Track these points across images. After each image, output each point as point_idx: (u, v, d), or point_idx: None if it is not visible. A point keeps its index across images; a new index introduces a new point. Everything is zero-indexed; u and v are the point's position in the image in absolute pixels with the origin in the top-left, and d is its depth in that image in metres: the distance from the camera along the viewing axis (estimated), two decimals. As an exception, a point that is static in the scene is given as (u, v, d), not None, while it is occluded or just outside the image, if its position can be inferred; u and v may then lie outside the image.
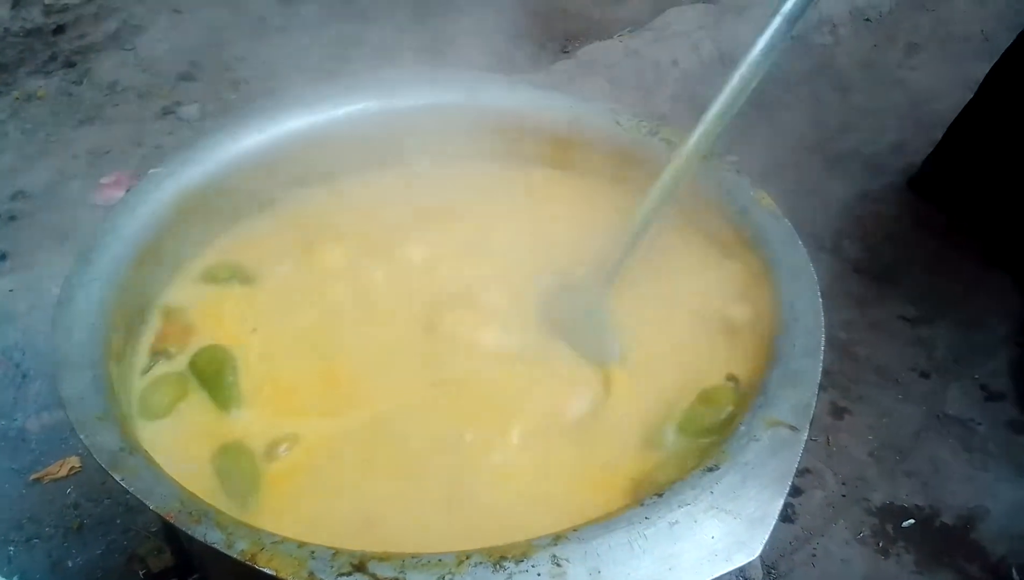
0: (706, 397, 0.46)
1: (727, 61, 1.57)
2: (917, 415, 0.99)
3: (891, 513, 0.90)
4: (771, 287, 0.47)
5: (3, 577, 0.73)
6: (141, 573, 0.74)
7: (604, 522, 0.35)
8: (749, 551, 0.34)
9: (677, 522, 0.34)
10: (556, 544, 0.34)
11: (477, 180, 0.66)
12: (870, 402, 1.01)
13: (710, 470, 0.37)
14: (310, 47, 1.74)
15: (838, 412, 0.98)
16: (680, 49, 1.61)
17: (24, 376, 0.88)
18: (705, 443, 0.43)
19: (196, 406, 0.46)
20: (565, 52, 1.71)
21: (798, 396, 0.40)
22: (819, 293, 0.46)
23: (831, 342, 0.43)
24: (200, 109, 1.52)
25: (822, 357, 0.42)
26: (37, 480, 0.83)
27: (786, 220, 0.52)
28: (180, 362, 0.49)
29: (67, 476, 0.82)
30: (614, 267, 0.53)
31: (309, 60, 1.71)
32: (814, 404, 0.40)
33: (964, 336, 1.08)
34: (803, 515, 0.88)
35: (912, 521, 0.89)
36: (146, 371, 0.48)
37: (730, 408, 0.44)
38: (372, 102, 0.63)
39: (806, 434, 0.38)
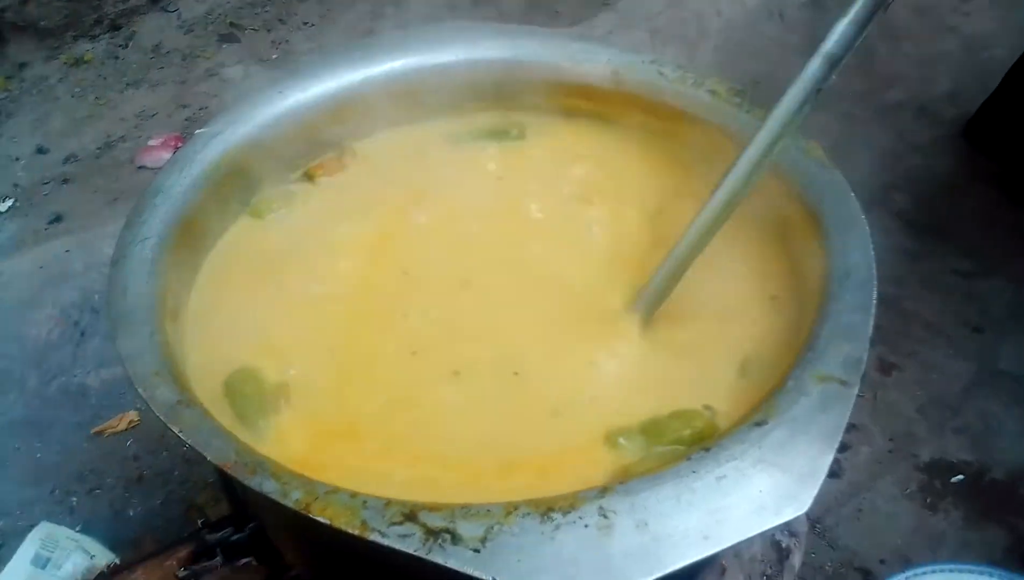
0: (678, 415, 0.44)
1: (773, 10, 1.51)
2: (968, 371, 0.97)
3: (939, 469, 0.89)
4: (821, 240, 0.46)
5: (66, 526, 0.76)
6: (199, 522, 0.76)
7: (651, 475, 0.35)
8: (798, 505, 0.33)
9: (725, 476, 0.34)
10: (603, 496, 0.34)
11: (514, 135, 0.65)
12: (919, 358, 0.99)
13: (758, 424, 0.36)
14: (348, 5, 1.73)
15: (886, 368, 0.97)
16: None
17: (83, 334, 0.91)
18: (664, 450, 0.42)
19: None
20: (605, 3, 1.67)
21: (849, 350, 0.39)
22: (871, 246, 0.45)
23: (879, 296, 0.42)
24: (243, 70, 1.53)
25: (874, 311, 0.41)
26: (98, 433, 0.86)
27: (837, 171, 0.51)
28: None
29: (126, 429, 0.85)
30: (655, 297, 0.49)
31: (347, 17, 1.70)
32: (865, 359, 0.39)
33: (1019, 290, 1.04)
34: (849, 470, 0.88)
35: (961, 477, 0.88)
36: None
37: (700, 426, 0.43)
38: (412, 58, 0.63)
39: (857, 389, 0.38)
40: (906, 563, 0.80)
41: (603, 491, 0.34)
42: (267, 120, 0.58)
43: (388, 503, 0.34)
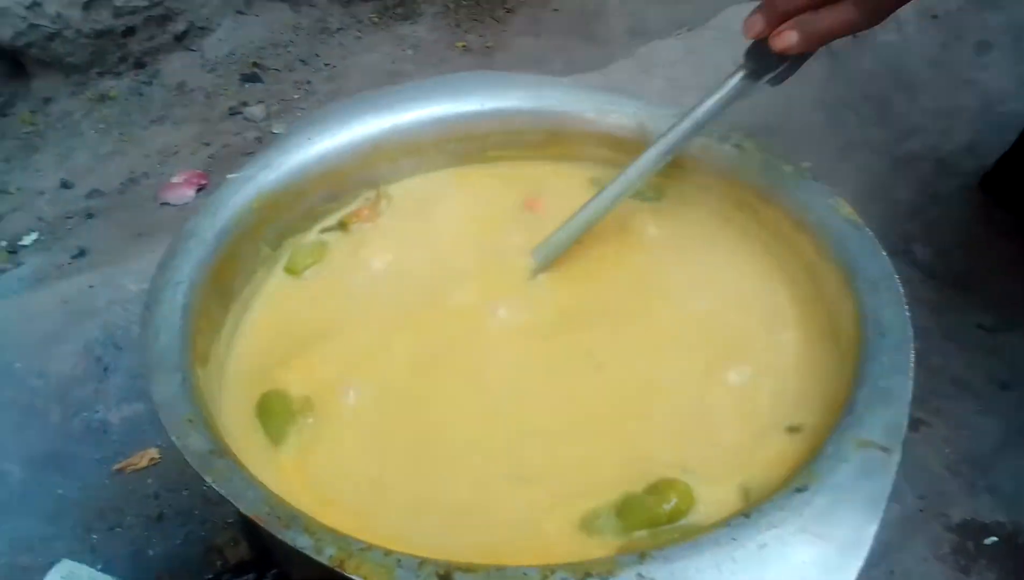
0: (655, 489, 0.42)
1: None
2: (997, 428, 0.95)
3: (972, 530, 0.87)
4: (854, 300, 0.46)
5: (87, 564, 0.75)
6: (219, 564, 0.76)
7: (690, 542, 0.34)
8: (842, 578, 0.33)
9: (766, 545, 0.34)
10: (642, 562, 0.33)
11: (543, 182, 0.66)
12: (947, 414, 0.97)
13: (799, 490, 0.36)
14: (369, 48, 1.76)
15: (914, 424, 0.95)
16: (740, 49, 1.58)
17: (105, 369, 0.91)
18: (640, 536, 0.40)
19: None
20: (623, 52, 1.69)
21: (889, 415, 0.39)
22: (905, 306, 0.45)
23: None
24: (265, 109, 1.56)
25: (912, 374, 0.41)
26: (119, 470, 0.85)
27: (867, 229, 0.51)
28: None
29: (147, 467, 0.85)
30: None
31: (368, 59, 1.73)
32: (906, 424, 0.38)
33: (1046, 345, 1.03)
34: (880, 529, 0.86)
35: (995, 539, 0.86)
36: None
37: (675, 500, 0.41)
38: (437, 107, 0.63)
39: (899, 456, 0.37)
40: (938, 627, 0.78)
41: (642, 556, 0.34)
42: (298, 165, 0.59)
43: (422, 563, 0.33)
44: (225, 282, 0.52)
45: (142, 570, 0.76)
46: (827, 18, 0.47)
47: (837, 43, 1.49)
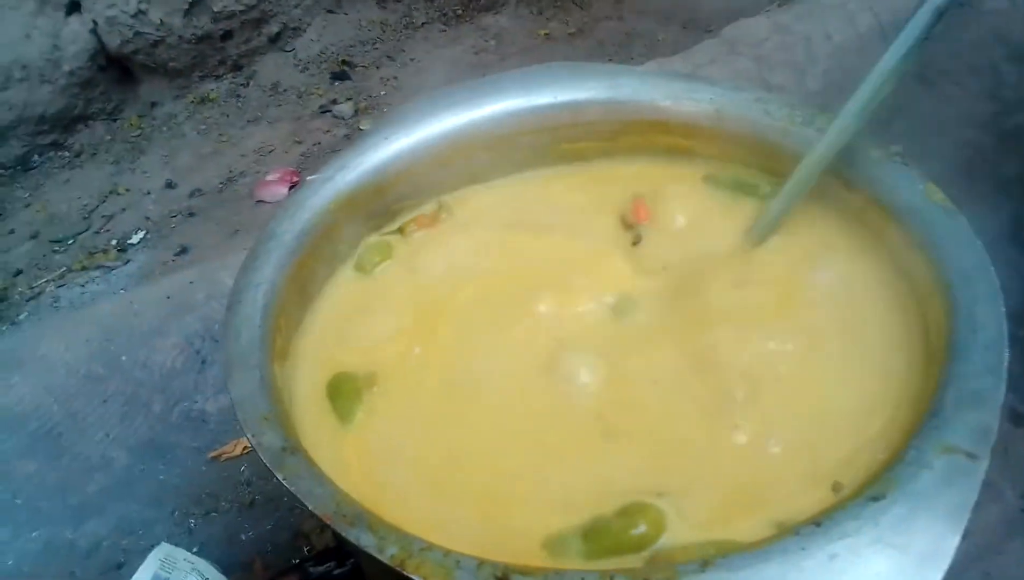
0: (626, 511, 0.40)
1: (888, 33, 1.45)
2: (1112, 422, 0.88)
3: (1079, 532, 0.81)
4: (945, 294, 0.43)
5: (184, 547, 0.80)
6: (306, 549, 0.79)
7: (756, 551, 0.33)
8: (919, 592, 0.31)
9: (837, 555, 0.32)
10: (704, 571, 0.33)
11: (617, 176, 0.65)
12: (1056, 407, 0.90)
13: (874, 499, 0.34)
14: (453, 40, 1.78)
15: (1017, 418, 0.89)
16: (834, 22, 1.51)
17: (203, 362, 0.96)
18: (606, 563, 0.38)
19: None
20: (709, 31, 1.65)
21: (977, 419, 0.36)
22: (1002, 301, 0.41)
23: (1009, 339, 0.39)
24: (353, 106, 1.60)
25: (1005, 375, 0.38)
26: (215, 458, 0.90)
27: (962, 216, 0.47)
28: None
29: (240, 455, 0.89)
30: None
31: (452, 52, 1.75)
32: (996, 429, 0.36)
33: None
34: (976, 531, 0.81)
35: (1102, 540, 0.80)
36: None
37: (644, 528, 0.39)
38: (510, 101, 0.63)
39: (987, 463, 0.35)
40: (1041, 635, 0.73)
41: (704, 564, 0.33)
42: (374, 165, 0.60)
43: (481, 564, 0.34)
44: (304, 281, 0.54)
45: (235, 553, 0.80)
46: None
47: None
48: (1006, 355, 0.39)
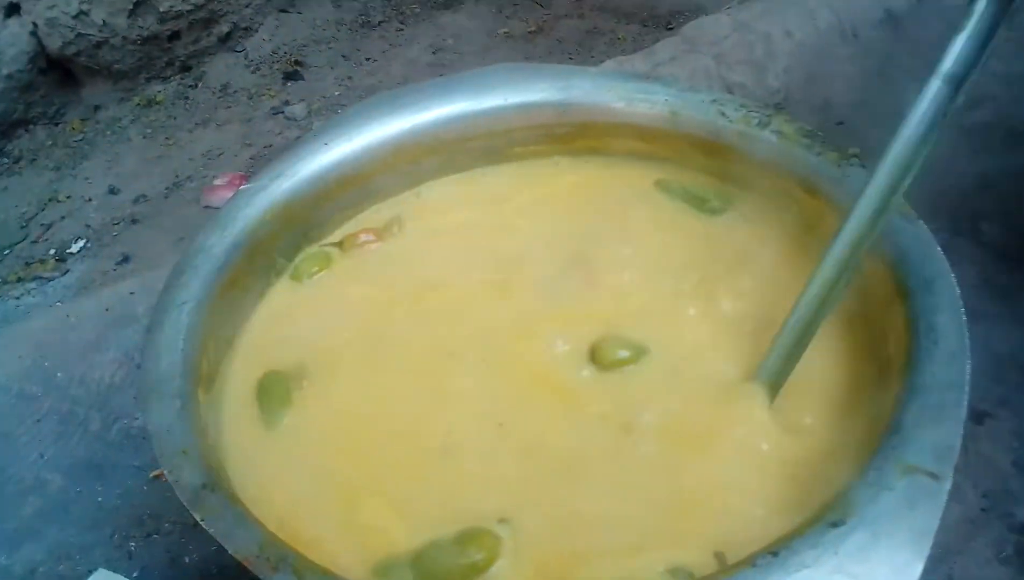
0: (463, 538, 0.39)
1: (846, 30, 1.45)
2: (1069, 420, 0.89)
3: (1039, 531, 0.81)
4: (905, 305, 0.41)
5: (124, 572, 0.76)
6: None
7: (710, 584, 0.31)
8: (882, 626, 0.29)
9: (796, 588, 0.30)
10: (655, 608, 0.30)
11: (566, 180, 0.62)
12: (1014, 405, 0.90)
13: (833, 525, 0.32)
14: (411, 39, 1.75)
15: (978, 417, 0.89)
16: (794, 19, 1.50)
17: (144, 377, 0.91)
18: None
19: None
20: (669, 28, 1.64)
21: (939, 436, 0.34)
22: (963, 311, 0.40)
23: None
24: (306, 107, 1.56)
25: (968, 388, 0.37)
26: (156, 478, 0.86)
27: (921, 222, 0.46)
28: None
29: (183, 475, 0.85)
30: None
31: (409, 52, 1.72)
32: (958, 446, 0.34)
33: (1125, 331, 0.95)
34: (939, 531, 0.81)
35: (1064, 540, 0.80)
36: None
37: (481, 556, 0.37)
38: (458, 104, 0.61)
39: (950, 483, 0.33)
40: (1004, 638, 0.72)
41: (657, 602, 0.31)
42: (313, 173, 0.57)
43: (418, 608, 0.31)
44: (236, 298, 0.51)
45: (179, 577, 0.76)
46: None
47: (899, 7, 1.41)
48: (968, 367, 0.37)
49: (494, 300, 0.53)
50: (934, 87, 0.41)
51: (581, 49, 1.67)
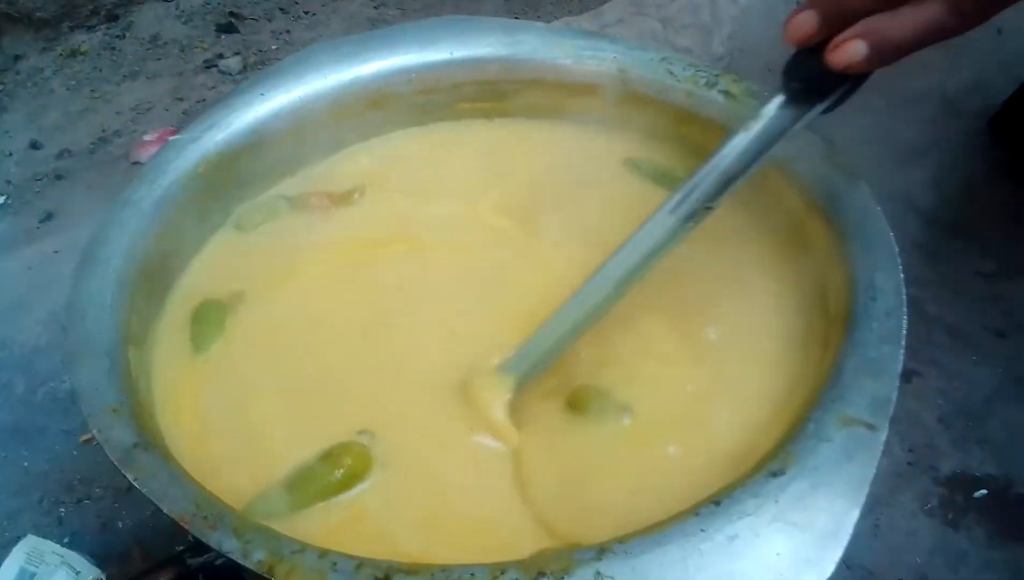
0: (328, 455, 0.40)
1: (791, -4, 1.46)
2: (992, 378, 0.93)
3: (962, 483, 0.85)
4: (845, 261, 0.42)
5: (54, 538, 0.74)
6: (190, 536, 0.74)
7: (655, 534, 0.31)
8: (819, 571, 0.30)
9: (737, 536, 0.31)
10: (600, 559, 0.30)
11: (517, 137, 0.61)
12: (941, 364, 0.94)
13: (774, 475, 0.33)
14: (350, -7, 1.69)
15: (907, 375, 0.93)
16: (736, -20, 1.51)
17: (70, 339, 0.88)
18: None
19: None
20: (616, -10, 1.62)
21: (877, 389, 0.35)
22: (900, 269, 0.41)
23: None
24: (241, 61, 1.50)
25: (904, 343, 0.37)
26: (87, 442, 0.83)
27: (863, 183, 0.47)
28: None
29: (115, 439, 0.83)
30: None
31: (350, 7, 1.66)
32: (894, 398, 0.35)
33: (1047, 293, 1.00)
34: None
35: (984, 491, 0.84)
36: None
37: (348, 462, 0.39)
38: (402, 57, 0.59)
39: (885, 433, 0.34)
40: (925, 584, 0.76)
41: (601, 552, 0.31)
42: (249, 125, 0.54)
43: (360, 565, 0.31)
44: (167, 252, 0.49)
45: (112, 543, 0.75)
46: (907, 22, 0.34)
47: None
48: (904, 322, 0.38)
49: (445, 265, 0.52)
50: (710, 178, 0.41)
51: (528, 8, 1.64)
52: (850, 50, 0.35)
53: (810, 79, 0.37)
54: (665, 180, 0.56)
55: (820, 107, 0.38)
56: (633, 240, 0.41)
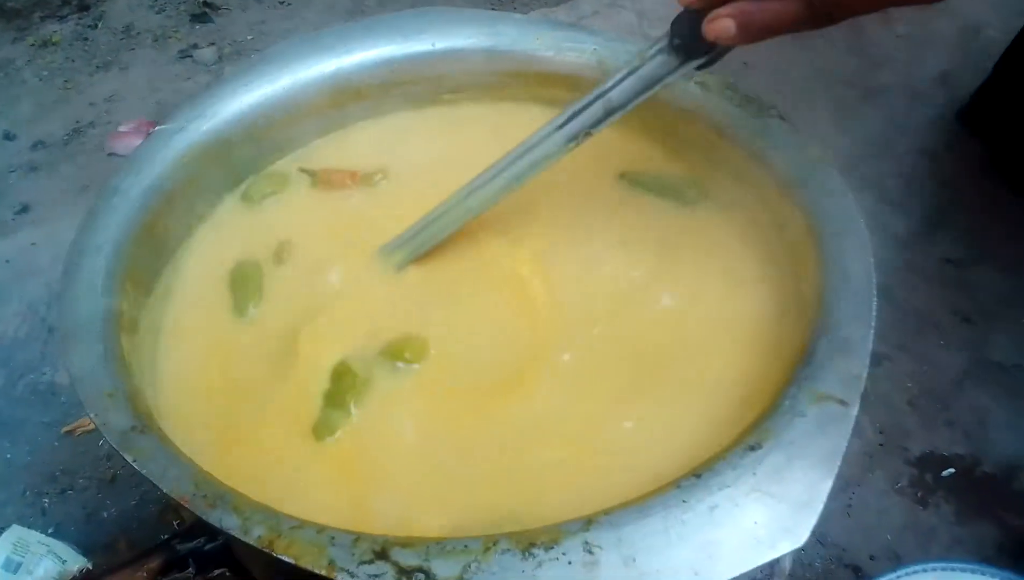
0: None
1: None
2: (959, 362, 0.96)
3: (930, 463, 0.88)
4: (817, 245, 0.44)
5: (39, 529, 0.74)
6: (175, 524, 0.74)
7: (638, 505, 0.33)
8: (795, 538, 0.32)
9: (717, 506, 0.32)
10: (588, 530, 0.32)
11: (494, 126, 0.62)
12: (910, 349, 0.97)
13: (752, 449, 0.34)
14: (326, -17, 1.68)
15: (876, 359, 0.95)
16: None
17: (50, 330, 0.88)
18: None
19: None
20: (592, -18, 1.63)
21: (848, 367, 0.37)
22: (870, 252, 0.43)
23: None
24: (216, 52, 1.49)
25: (874, 323, 0.39)
26: (69, 433, 0.83)
27: (834, 169, 0.48)
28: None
29: (97, 428, 0.83)
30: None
31: (326, -2, 1.65)
32: (865, 375, 0.37)
33: (1010, 279, 1.03)
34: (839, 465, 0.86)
35: (952, 471, 0.87)
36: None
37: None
38: (385, 48, 0.60)
39: (856, 409, 0.36)
40: (896, 559, 0.79)
41: (588, 523, 0.32)
42: (234, 115, 0.55)
43: (357, 539, 0.32)
44: (157, 240, 0.49)
45: (96, 533, 0.75)
46: (771, 10, 0.39)
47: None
48: (874, 304, 0.40)
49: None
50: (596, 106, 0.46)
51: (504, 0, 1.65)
52: (720, 26, 0.40)
53: (691, 38, 0.42)
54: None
55: (695, 63, 0.43)
56: (520, 147, 0.48)
